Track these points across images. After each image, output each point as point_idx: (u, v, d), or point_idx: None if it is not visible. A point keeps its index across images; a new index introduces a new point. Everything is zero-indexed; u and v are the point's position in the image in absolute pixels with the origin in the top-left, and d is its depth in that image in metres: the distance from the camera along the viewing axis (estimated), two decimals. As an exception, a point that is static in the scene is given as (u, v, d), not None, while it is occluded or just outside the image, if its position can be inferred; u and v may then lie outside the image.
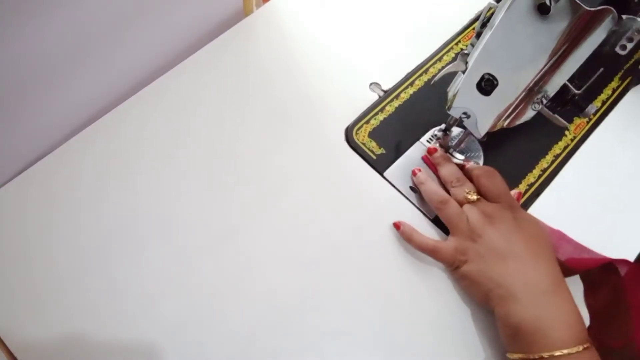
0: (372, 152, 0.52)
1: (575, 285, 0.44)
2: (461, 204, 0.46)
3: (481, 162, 0.52)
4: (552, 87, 0.40)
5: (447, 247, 0.46)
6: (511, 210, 0.44)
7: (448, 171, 0.49)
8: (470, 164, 0.49)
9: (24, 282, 0.45)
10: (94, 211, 0.49)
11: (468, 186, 0.47)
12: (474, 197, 0.46)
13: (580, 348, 0.38)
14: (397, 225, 0.48)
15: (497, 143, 0.52)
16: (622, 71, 0.58)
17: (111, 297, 0.45)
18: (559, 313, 0.40)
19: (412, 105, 0.55)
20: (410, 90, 0.56)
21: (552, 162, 0.53)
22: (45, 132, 0.50)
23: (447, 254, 0.45)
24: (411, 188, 0.51)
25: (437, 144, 0.52)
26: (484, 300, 0.43)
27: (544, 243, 0.44)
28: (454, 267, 0.45)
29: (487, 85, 0.41)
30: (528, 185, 0.52)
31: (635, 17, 0.33)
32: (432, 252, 0.46)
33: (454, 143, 0.51)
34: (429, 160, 0.52)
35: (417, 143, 0.53)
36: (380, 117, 0.54)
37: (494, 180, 0.46)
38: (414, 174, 0.50)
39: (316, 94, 0.56)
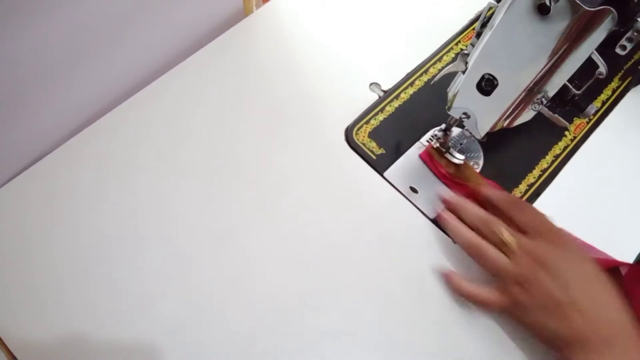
0: (372, 152, 0.52)
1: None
2: (497, 246, 0.43)
3: (481, 162, 0.52)
4: (552, 87, 0.40)
5: (495, 299, 0.42)
6: (554, 244, 0.41)
7: (472, 215, 0.45)
8: (488, 191, 0.46)
9: (24, 282, 0.45)
10: (94, 211, 0.49)
11: (495, 225, 0.43)
12: (510, 238, 0.42)
13: None
14: (444, 276, 0.46)
15: (497, 143, 0.52)
16: (622, 71, 0.58)
17: (111, 297, 0.45)
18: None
19: (412, 106, 0.55)
20: (410, 91, 0.56)
21: (552, 162, 0.53)
22: (45, 132, 0.50)
23: (499, 305, 0.43)
24: (411, 188, 0.51)
25: (437, 144, 0.52)
26: (556, 350, 0.40)
27: (605, 284, 0.40)
28: (512, 317, 0.43)
29: (487, 85, 0.41)
30: (528, 185, 0.52)
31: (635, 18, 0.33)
32: (483, 305, 0.44)
33: (453, 143, 0.51)
34: (427, 156, 0.51)
35: (417, 143, 0.53)
36: (380, 117, 0.54)
37: (525, 211, 0.43)
38: (440, 217, 0.47)
39: (316, 94, 0.56)
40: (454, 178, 0.50)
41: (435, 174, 0.51)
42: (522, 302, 0.41)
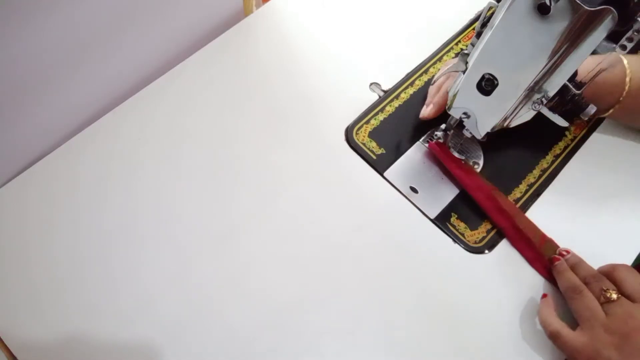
0: (372, 152, 0.52)
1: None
2: (600, 302, 0.42)
3: (481, 162, 0.52)
4: (552, 87, 0.40)
5: (574, 339, 0.41)
6: None
7: (586, 270, 0.45)
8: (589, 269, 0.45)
9: (24, 282, 0.45)
10: (94, 211, 0.49)
11: (606, 283, 0.42)
12: (614, 295, 0.41)
13: None
14: (543, 295, 0.46)
15: (497, 143, 0.52)
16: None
17: (111, 297, 0.45)
18: None
19: (412, 105, 0.55)
20: (410, 90, 0.56)
21: (552, 162, 0.53)
22: (45, 132, 0.50)
23: (572, 347, 0.40)
24: (411, 188, 0.51)
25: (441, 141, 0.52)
26: None
27: None
28: None
29: (487, 85, 0.41)
30: (528, 185, 0.52)
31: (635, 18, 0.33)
32: (553, 336, 0.42)
33: (453, 143, 0.51)
34: (437, 147, 0.51)
35: (417, 143, 0.53)
36: (380, 117, 0.54)
37: (634, 275, 0.42)
38: (556, 260, 0.46)
39: (316, 94, 0.56)
40: (465, 166, 0.50)
41: (444, 164, 0.51)
42: (606, 355, 0.39)
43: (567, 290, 0.44)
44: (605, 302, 0.41)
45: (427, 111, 0.52)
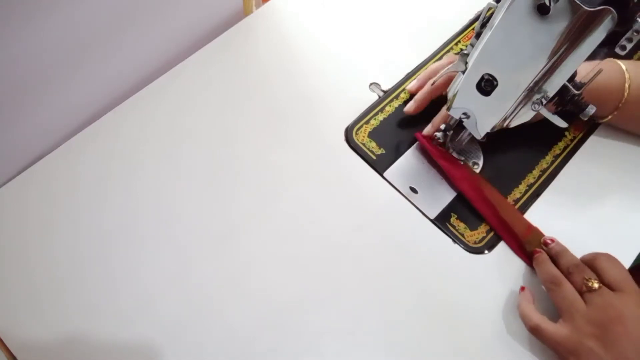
0: (372, 152, 0.52)
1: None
2: (579, 292, 0.42)
3: (480, 162, 0.52)
4: (552, 87, 0.40)
5: (555, 331, 0.41)
6: (638, 305, 0.40)
7: (568, 260, 0.45)
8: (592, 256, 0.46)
9: (24, 282, 0.45)
10: (94, 211, 0.49)
11: (588, 273, 0.42)
12: (596, 284, 0.41)
13: None
14: (521, 289, 0.46)
15: (497, 143, 0.52)
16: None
17: (111, 297, 0.45)
18: None
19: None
20: (410, 91, 0.56)
21: (552, 162, 0.53)
22: (45, 132, 0.51)
23: (553, 340, 0.41)
24: (411, 188, 0.51)
25: (437, 144, 0.51)
26: None
27: None
28: (559, 356, 0.41)
29: (487, 85, 0.41)
30: (528, 185, 0.52)
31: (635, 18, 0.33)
32: (533, 329, 0.42)
33: (453, 143, 0.51)
34: (423, 137, 0.51)
35: (417, 143, 0.53)
36: (380, 117, 0.54)
37: (615, 264, 0.43)
38: (536, 253, 0.47)
39: (316, 94, 0.56)
40: (450, 157, 0.51)
41: (431, 155, 0.51)
42: (587, 346, 0.39)
43: (547, 281, 0.44)
44: (587, 291, 0.41)
45: (408, 106, 0.53)
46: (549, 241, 0.47)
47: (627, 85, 0.47)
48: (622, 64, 0.48)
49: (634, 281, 0.42)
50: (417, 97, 0.53)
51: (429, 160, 0.52)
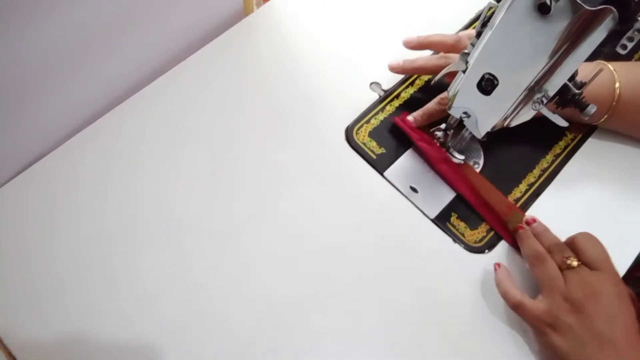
0: (372, 151, 0.52)
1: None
2: (560, 269, 0.43)
3: (481, 161, 0.52)
4: (553, 87, 0.40)
5: (535, 307, 0.42)
6: (614, 283, 0.42)
7: (550, 239, 0.46)
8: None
9: (24, 282, 0.45)
10: (94, 211, 0.49)
11: (567, 252, 0.44)
12: (575, 262, 0.43)
13: None
14: (495, 267, 0.46)
15: (497, 143, 0.52)
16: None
17: (111, 297, 0.45)
18: None
19: (412, 105, 0.55)
20: (411, 90, 0.56)
21: (552, 162, 0.53)
22: (45, 132, 0.50)
23: (533, 315, 0.42)
24: (411, 188, 0.51)
25: (437, 144, 0.51)
26: None
27: (637, 327, 0.41)
28: (538, 330, 0.42)
29: (487, 85, 0.41)
30: (528, 185, 0.52)
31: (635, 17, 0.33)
32: (515, 306, 0.43)
33: (454, 142, 0.51)
34: (401, 123, 0.52)
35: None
36: (381, 116, 0.54)
37: (595, 244, 0.44)
38: (519, 229, 0.48)
39: (316, 94, 0.56)
40: (429, 138, 0.51)
41: (411, 137, 0.51)
42: (565, 321, 0.40)
43: (530, 257, 0.45)
44: (566, 269, 0.43)
45: (393, 64, 0.54)
46: (530, 220, 0.48)
47: (616, 86, 0.48)
48: (611, 66, 0.48)
49: (611, 261, 0.43)
50: (405, 64, 0.53)
51: (418, 151, 0.52)
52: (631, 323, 0.41)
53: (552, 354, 0.42)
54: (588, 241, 0.44)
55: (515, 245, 0.48)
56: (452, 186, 0.51)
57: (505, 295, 0.44)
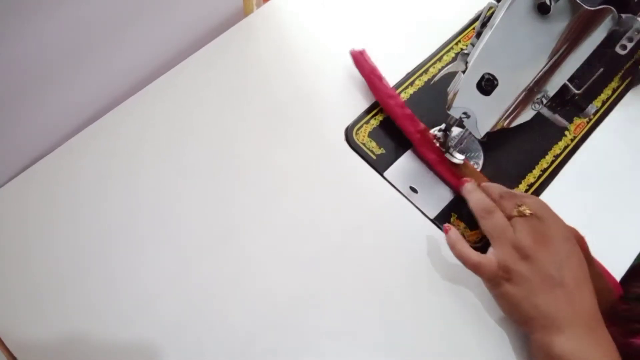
0: (372, 152, 0.52)
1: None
2: (509, 219, 0.43)
3: (481, 162, 0.52)
4: (552, 87, 0.40)
5: (490, 263, 0.42)
6: (560, 227, 0.42)
7: (497, 188, 0.46)
8: (489, 185, 0.48)
9: (24, 282, 0.45)
10: (94, 211, 0.49)
11: (519, 199, 0.44)
12: (527, 211, 0.42)
13: None
14: (446, 229, 0.46)
15: (497, 143, 0.52)
16: (623, 71, 0.58)
17: (111, 297, 0.45)
18: (601, 349, 0.39)
19: (412, 105, 0.55)
20: (410, 90, 0.56)
21: (552, 162, 0.53)
22: (45, 132, 0.50)
23: (490, 271, 0.42)
24: (411, 188, 0.51)
25: (437, 144, 0.52)
26: (521, 324, 0.42)
27: (587, 273, 0.41)
28: (492, 283, 0.42)
29: (487, 85, 0.41)
30: (528, 185, 0.52)
31: (635, 17, 0.33)
32: (474, 267, 0.43)
33: (454, 143, 0.51)
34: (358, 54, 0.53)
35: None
36: (381, 117, 0.54)
37: (531, 196, 0.45)
38: (464, 182, 0.48)
39: (316, 94, 0.56)
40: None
41: (363, 77, 0.53)
42: (516, 270, 0.41)
43: (478, 210, 0.45)
44: (518, 216, 0.43)
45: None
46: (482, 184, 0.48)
47: None
48: None
49: (551, 209, 0.44)
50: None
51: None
52: (579, 265, 0.41)
53: (504, 303, 0.42)
54: (526, 196, 0.45)
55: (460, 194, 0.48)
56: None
57: (461, 257, 0.44)
